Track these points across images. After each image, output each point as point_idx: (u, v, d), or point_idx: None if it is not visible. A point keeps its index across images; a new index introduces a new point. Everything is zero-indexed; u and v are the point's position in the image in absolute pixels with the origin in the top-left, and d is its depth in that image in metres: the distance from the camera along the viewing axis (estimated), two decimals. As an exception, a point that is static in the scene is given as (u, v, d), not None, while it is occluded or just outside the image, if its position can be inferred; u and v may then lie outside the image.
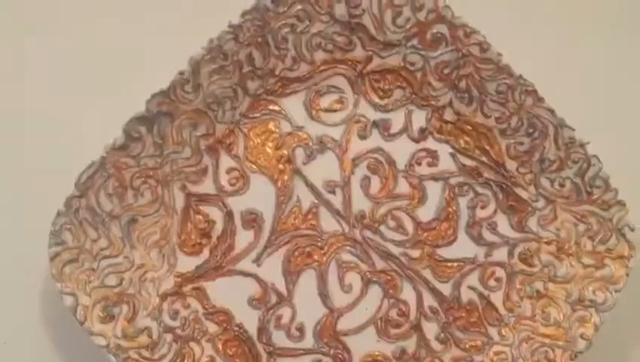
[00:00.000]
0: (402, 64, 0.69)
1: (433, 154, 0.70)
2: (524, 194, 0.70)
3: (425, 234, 0.70)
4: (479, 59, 0.68)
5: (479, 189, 0.70)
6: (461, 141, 0.70)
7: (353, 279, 0.69)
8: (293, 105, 0.69)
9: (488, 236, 0.70)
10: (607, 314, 0.68)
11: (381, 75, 0.70)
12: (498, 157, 0.70)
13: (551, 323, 0.69)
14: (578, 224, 0.69)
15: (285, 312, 0.69)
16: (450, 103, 0.69)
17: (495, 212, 0.70)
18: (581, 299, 0.69)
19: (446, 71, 0.69)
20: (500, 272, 0.70)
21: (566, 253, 0.70)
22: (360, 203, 0.70)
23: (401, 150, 0.70)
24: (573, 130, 0.68)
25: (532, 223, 0.70)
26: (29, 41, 0.73)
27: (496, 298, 0.70)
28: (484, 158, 0.70)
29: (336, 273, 0.69)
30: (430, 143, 0.70)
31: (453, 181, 0.70)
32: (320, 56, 0.69)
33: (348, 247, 0.69)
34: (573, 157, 0.68)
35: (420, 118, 0.70)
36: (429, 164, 0.70)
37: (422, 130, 0.70)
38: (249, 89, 0.68)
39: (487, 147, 0.70)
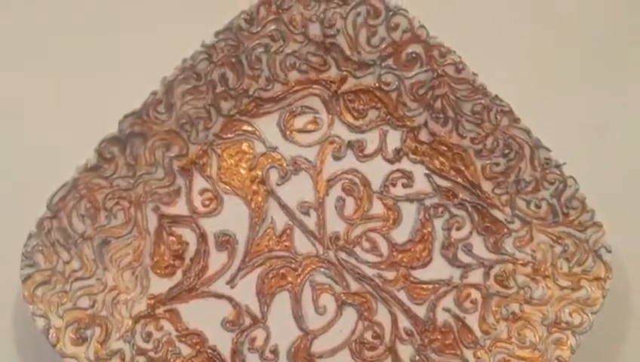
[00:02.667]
0: (377, 84, 0.69)
1: (408, 175, 0.70)
2: (499, 216, 0.69)
3: (400, 256, 0.69)
4: (454, 79, 0.67)
5: (454, 210, 0.70)
6: (436, 162, 0.70)
7: (327, 301, 0.69)
8: (267, 126, 0.69)
9: (464, 257, 0.70)
10: (584, 336, 0.67)
11: (356, 96, 0.69)
12: (474, 178, 0.69)
13: (527, 346, 0.69)
14: (554, 245, 0.69)
15: (259, 334, 0.68)
16: (426, 124, 0.69)
17: (470, 233, 0.70)
18: (557, 321, 0.68)
19: (421, 91, 0.68)
20: (476, 294, 0.70)
21: (542, 274, 0.69)
22: (334, 224, 0.69)
23: (376, 171, 0.69)
24: (550, 150, 0.68)
25: (508, 245, 0.70)
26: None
27: (472, 320, 0.70)
28: (459, 179, 0.69)
29: (310, 295, 0.69)
30: (405, 164, 0.70)
31: (428, 202, 0.70)
32: (294, 76, 0.68)
33: (322, 269, 0.69)
34: (549, 178, 0.68)
35: (394, 139, 0.69)
36: (404, 185, 0.70)
37: (397, 151, 0.69)
38: (222, 109, 0.68)
39: (463, 168, 0.69)
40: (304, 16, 0.67)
